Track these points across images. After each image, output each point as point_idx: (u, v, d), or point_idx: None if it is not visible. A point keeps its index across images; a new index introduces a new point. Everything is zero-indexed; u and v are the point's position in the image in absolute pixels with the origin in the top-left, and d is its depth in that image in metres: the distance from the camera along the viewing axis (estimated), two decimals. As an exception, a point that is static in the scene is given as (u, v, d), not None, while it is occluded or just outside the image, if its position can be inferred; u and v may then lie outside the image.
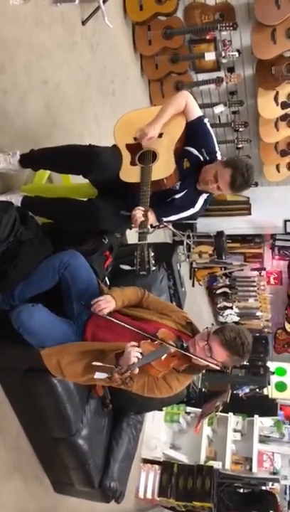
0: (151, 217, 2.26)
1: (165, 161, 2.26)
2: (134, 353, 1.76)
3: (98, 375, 1.75)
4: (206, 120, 2.40)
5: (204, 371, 6.07)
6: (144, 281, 2.69)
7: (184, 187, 2.36)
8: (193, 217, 2.48)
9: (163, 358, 1.88)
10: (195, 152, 2.36)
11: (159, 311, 2.18)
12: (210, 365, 1.97)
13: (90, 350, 1.92)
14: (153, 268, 1.85)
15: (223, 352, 1.89)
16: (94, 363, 1.72)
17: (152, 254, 1.85)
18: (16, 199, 2.33)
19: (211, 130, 2.41)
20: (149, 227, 2.02)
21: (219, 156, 2.41)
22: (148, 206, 2.07)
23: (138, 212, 2.03)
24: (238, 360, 1.94)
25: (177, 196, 2.36)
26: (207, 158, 2.37)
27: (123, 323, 1.97)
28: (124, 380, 1.69)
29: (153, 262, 1.84)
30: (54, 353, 1.91)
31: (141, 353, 1.79)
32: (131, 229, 2.53)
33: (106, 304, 2.01)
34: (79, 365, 1.87)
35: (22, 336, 1.92)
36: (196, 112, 2.37)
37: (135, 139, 2.35)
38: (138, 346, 1.82)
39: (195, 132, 2.37)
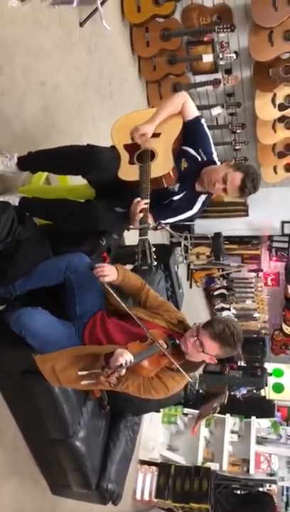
0: (150, 217, 2.26)
1: (164, 160, 2.27)
2: (124, 356, 1.74)
3: (85, 383, 1.75)
4: (203, 121, 2.42)
5: (201, 372, 6.09)
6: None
7: (182, 189, 2.36)
8: (191, 218, 2.48)
9: (153, 357, 1.88)
10: (193, 152, 2.38)
11: (154, 308, 2.18)
12: (206, 360, 1.98)
13: (84, 354, 1.92)
14: (155, 263, 1.84)
15: (214, 345, 1.89)
16: (80, 373, 1.72)
17: (153, 249, 1.84)
18: (14, 200, 2.32)
19: (208, 131, 2.42)
20: (150, 222, 2.03)
21: (215, 157, 2.42)
22: (148, 201, 2.08)
23: (140, 203, 2.04)
24: (230, 351, 1.93)
25: (175, 198, 2.37)
26: (205, 158, 2.38)
27: (120, 302, 1.96)
28: (111, 382, 1.68)
29: (155, 256, 1.84)
30: (48, 359, 1.91)
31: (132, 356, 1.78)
32: (129, 230, 2.54)
33: (109, 272, 2.00)
34: (73, 370, 1.86)
35: (24, 338, 1.92)
36: (193, 112, 2.39)
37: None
38: (126, 349, 1.82)
39: (192, 132, 2.38)
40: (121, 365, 1.70)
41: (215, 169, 2.33)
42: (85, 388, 1.94)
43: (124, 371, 1.73)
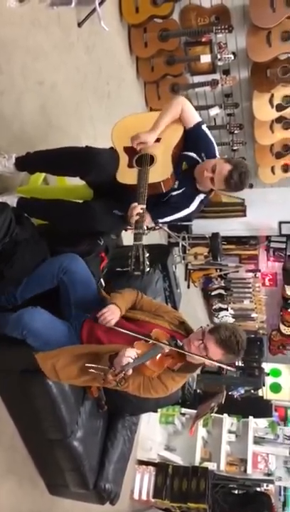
0: (147, 219, 2.27)
1: (163, 165, 2.28)
2: (128, 354, 1.77)
3: (86, 378, 1.77)
4: (204, 126, 2.42)
5: (199, 372, 6.10)
6: (140, 283, 2.70)
7: (182, 185, 2.37)
8: (188, 218, 2.49)
9: (157, 357, 1.90)
10: (195, 156, 2.39)
11: (152, 312, 2.19)
12: (206, 362, 1.99)
13: (85, 352, 1.93)
14: (148, 269, 1.85)
15: (219, 350, 1.91)
16: (88, 365, 1.73)
17: (147, 254, 1.85)
18: (12, 200, 2.32)
19: (210, 135, 2.42)
20: (145, 227, 2.03)
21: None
22: (144, 206, 2.08)
23: (136, 207, 2.05)
24: (233, 357, 1.96)
25: (174, 194, 2.37)
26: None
27: (125, 331, 1.98)
28: (117, 381, 1.70)
29: (148, 262, 1.85)
30: (49, 356, 1.92)
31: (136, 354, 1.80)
32: (126, 230, 2.54)
33: (112, 315, 2.01)
34: (74, 367, 1.89)
35: (25, 339, 1.92)
36: (194, 119, 2.39)
37: None
38: (132, 348, 1.84)
39: (194, 139, 2.39)
40: (128, 363, 1.72)
41: (208, 160, 2.35)
42: (83, 384, 1.95)
43: (130, 371, 1.75)
